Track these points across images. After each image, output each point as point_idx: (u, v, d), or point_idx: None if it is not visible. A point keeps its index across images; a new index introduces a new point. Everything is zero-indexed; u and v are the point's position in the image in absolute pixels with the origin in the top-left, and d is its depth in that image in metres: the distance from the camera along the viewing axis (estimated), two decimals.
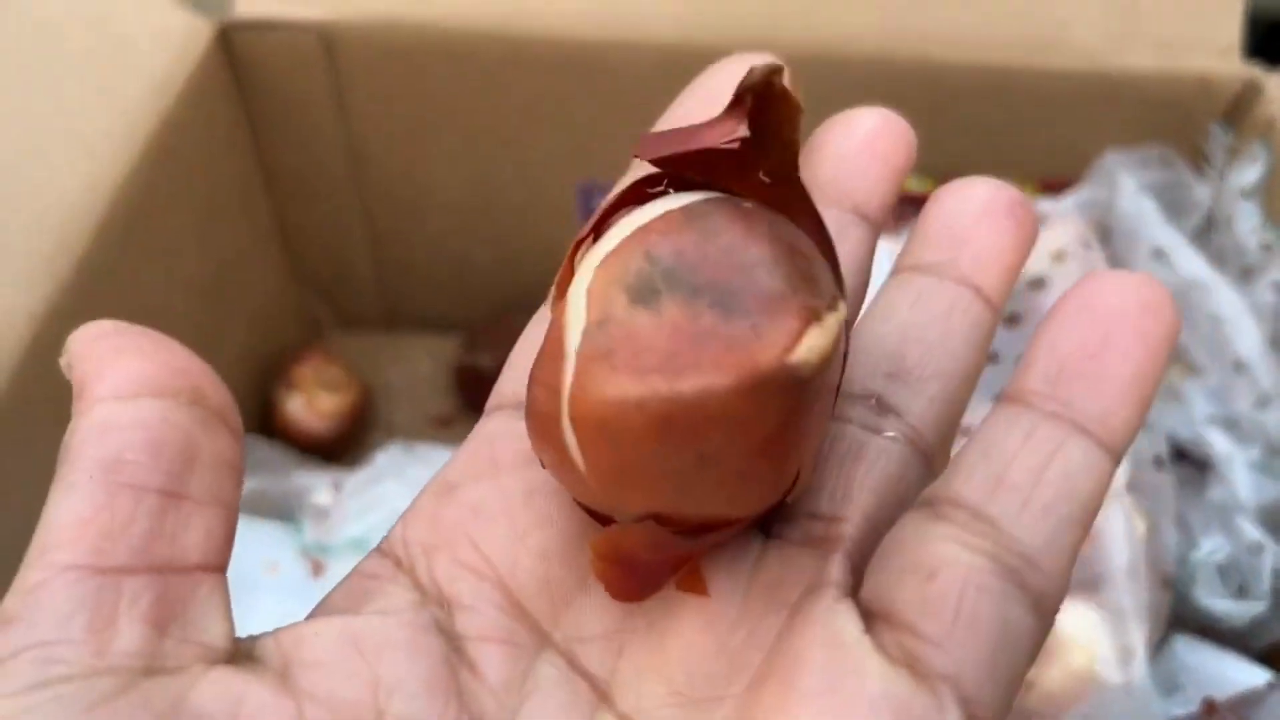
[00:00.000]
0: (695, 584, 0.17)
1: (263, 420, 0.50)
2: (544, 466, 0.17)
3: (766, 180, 0.16)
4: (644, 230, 0.15)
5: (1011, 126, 0.46)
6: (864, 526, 0.17)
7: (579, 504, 0.17)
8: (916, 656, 0.15)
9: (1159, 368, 0.16)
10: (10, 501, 0.34)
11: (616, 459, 0.15)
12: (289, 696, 0.15)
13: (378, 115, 0.47)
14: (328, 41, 0.44)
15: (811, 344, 0.14)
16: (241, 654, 0.15)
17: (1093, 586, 0.32)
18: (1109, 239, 0.41)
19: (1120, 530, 0.32)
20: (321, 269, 0.55)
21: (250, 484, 0.39)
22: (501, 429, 0.18)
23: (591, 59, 0.44)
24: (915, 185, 0.49)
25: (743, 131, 0.15)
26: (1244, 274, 0.40)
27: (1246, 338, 0.37)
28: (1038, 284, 0.37)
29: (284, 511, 0.39)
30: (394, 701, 0.15)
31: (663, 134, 0.16)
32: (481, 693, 0.16)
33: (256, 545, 0.37)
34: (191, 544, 0.15)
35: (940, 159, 0.49)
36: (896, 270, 0.19)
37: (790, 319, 0.14)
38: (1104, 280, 0.17)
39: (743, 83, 0.15)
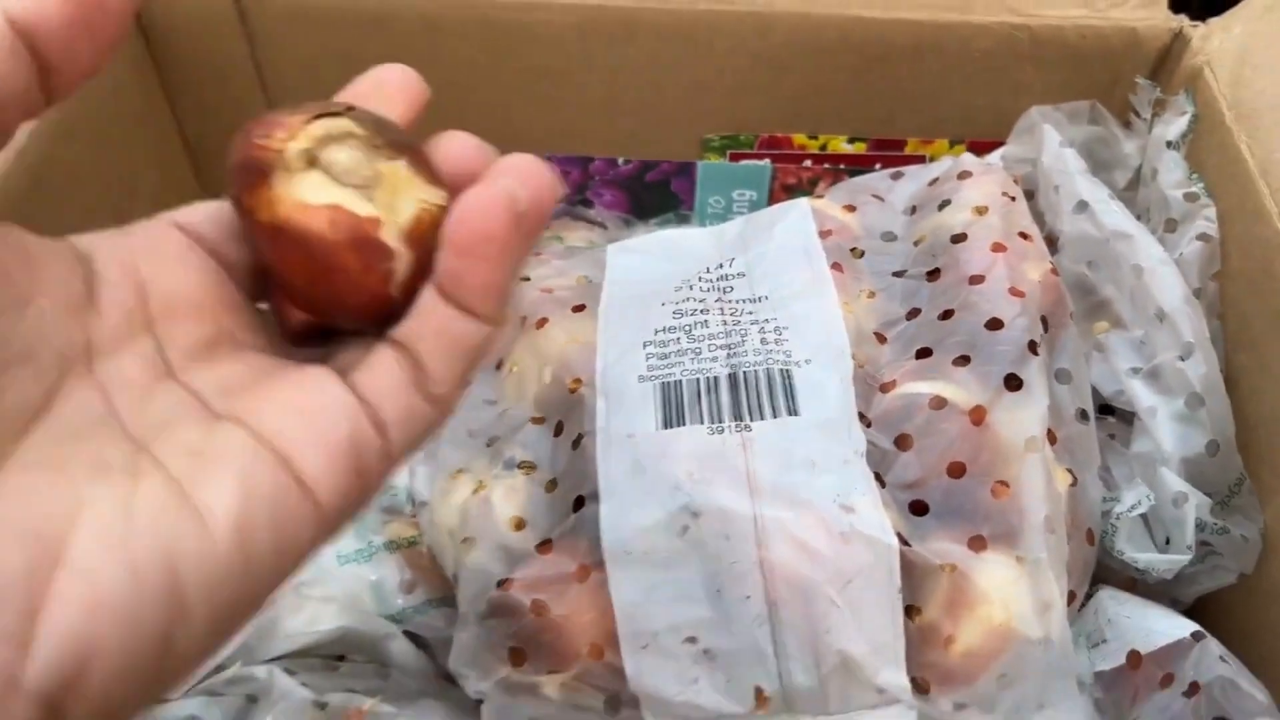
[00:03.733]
0: None
1: None
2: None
3: None
4: None
5: (939, 86, 0.45)
6: None
7: None
8: None
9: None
10: None
11: None
12: None
13: (298, 81, 0.46)
14: (241, 6, 0.43)
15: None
16: None
17: (1010, 539, 0.31)
18: (1035, 193, 0.41)
19: (1039, 481, 0.32)
20: None
21: None
22: None
23: (520, 23, 0.43)
24: (846, 147, 0.48)
25: None
26: (1170, 226, 0.39)
27: (1168, 288, 0.36)
28: (959, 238, 0.36)
29: None
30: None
31: None
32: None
33: None
34: None
35: (869, 123, 0.48)
36: None
37: None
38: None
39: None
